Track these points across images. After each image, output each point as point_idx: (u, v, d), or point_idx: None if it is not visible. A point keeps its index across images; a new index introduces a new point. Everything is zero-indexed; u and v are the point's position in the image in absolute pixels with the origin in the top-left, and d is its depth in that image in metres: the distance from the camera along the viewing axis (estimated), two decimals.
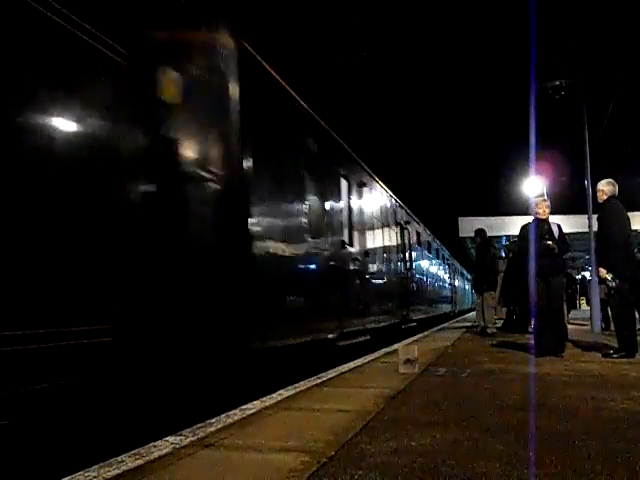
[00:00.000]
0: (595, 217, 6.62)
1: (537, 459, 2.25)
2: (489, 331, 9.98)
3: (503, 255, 12.24)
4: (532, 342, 8.16)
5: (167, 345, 3.29)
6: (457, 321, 21.02)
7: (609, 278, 5.80)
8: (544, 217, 6.49)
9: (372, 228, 9.10)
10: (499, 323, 11.54)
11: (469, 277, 36.41)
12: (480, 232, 10.55)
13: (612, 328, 7.27)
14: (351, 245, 7.64)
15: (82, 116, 2.76)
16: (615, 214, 5.99)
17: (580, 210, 12.45)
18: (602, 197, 6.16)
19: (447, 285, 23.86)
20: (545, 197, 6.73)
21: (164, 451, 2.51)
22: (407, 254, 12.76)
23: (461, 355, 6.67)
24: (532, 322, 9.92)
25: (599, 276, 6.18)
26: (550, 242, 6.17)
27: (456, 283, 28.53)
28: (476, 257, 10.71)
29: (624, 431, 2.70)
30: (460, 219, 24.29)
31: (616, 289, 5.82)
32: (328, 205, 6.80)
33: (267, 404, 3.64)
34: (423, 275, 15.60)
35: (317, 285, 6.10)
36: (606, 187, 6.13)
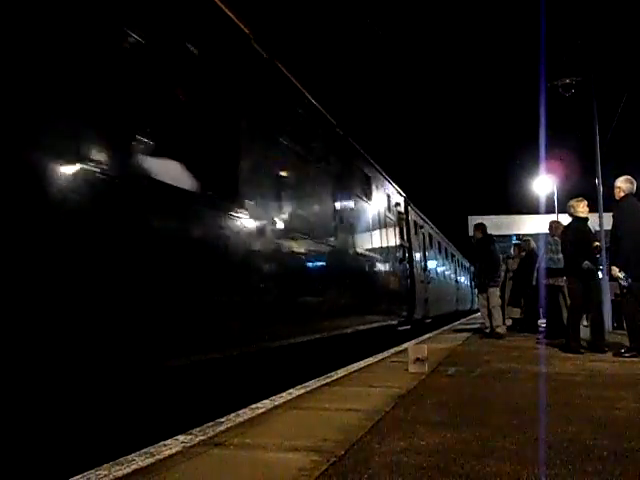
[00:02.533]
0: (606, 216, 6.62)
1: (548, 459, 2.24)
2: (500, 331, 9.30)
3: (512, 254, 12.13)
4: (542, 342, 8.13)
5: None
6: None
7: (621, 277, 5.76)
8: (584, 216, 6.55)
9: None
10: (509, 322, 11.45)
11: (463, 261, 27.12)
12: (480, 226, 10.09)
13: (624, 327, 7.20)
14: None
15: None
16: (630, 212, 5.94)
17: (590, 209, 12.35)
18: (619, 194, 6.11)
19: (393, 262, 10.36)
20: (581, 198, 6.82)
21: (174, 450, 2.52)
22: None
23: (471, 355, 6.64)
24: (540, 322, 9.89)
25: (611, 275, 6.15)
26: (598, 243, 6.24)
27: (432, 264, 15.57)
28: (477, 253, 9.92)
29: (636, 431, 2.68)
30: (470, 218, 24.19)
31: (628, 288, 5.77)
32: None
33: (277, 403, 3.65)
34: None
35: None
36: (624, 184, 6.08)
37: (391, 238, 10.33)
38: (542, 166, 21.82)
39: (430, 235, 16.15)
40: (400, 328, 10.46)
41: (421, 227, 14.22)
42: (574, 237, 6.53)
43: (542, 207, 22.68)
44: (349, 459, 2.30)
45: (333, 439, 2.62)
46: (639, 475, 2.04)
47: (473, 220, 24.02)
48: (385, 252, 9.53)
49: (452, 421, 2.97)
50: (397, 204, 11.45)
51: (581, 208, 6.62)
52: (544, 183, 22.77)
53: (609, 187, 6.46)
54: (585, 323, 9.42)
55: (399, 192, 12.00)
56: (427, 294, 13.40)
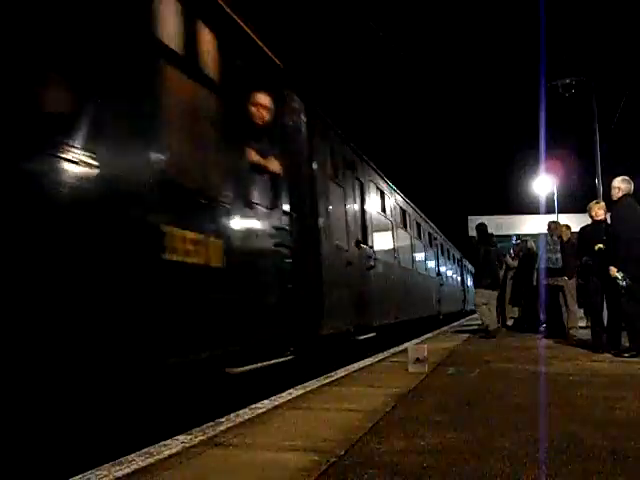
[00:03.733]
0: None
1: (547, 459, 2.24)
2: (490, 329, 9.32)
3: (512, 254, 12.14)
4: (542, 342, 8.13)
5: None
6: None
7: (619, 277, 5.75)
8: (599, 219, 6.53)
9: None
10: (510, 322, 11.46)
11: (451, 250, 21.52)
12: (476, 228, 10.27)
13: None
14: None
15: None
16: (628, 212, 5.94)
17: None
18: (617, 194, 6.11)
19: (241, 213, 4.37)
20: (598, 200, 6.83)
21: (174, 450, 2.52)
22: None
23: (470, 355, 6.64)
24: (541, 322, 9.89)
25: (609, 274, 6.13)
26: (601, 245, 6.22)
27: (382, 237, 9.42)
28: (474, 253, 10.14)
29: (636, 431, 2.68)
30: (470, 218, 24.21)
31: (627, 288, 5.76)
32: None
33: (277, 403, 3.65)
34: None
35: None
36: (622, 184, 6.08)
37: (240, 157, 4.68)
38: (542, 166, 21.87)
39: (381, 191, 9.61)
40: (247, 368, 4.16)
41: (351, 164, 7.82)
42: (579, 239, 6.72)
43: (542, 207, 22.72)
44: (349, 459, 2.30)
45: (333, 439, 2.62)
46: (638, 475, 2.04)
47: (473, 220, 24.05)
48: (211, 188, 4.21)
49: (452, 421, 2.97)
50: (270, 89, 5.19)
51: (593, 211, 6.61)
52: (544, 183, 22.81)
53: (608, 187, 6.46)
54: (582, 324, 9.44)
55: (277, 68, 5.75)
56: (365, 286, 7.74)
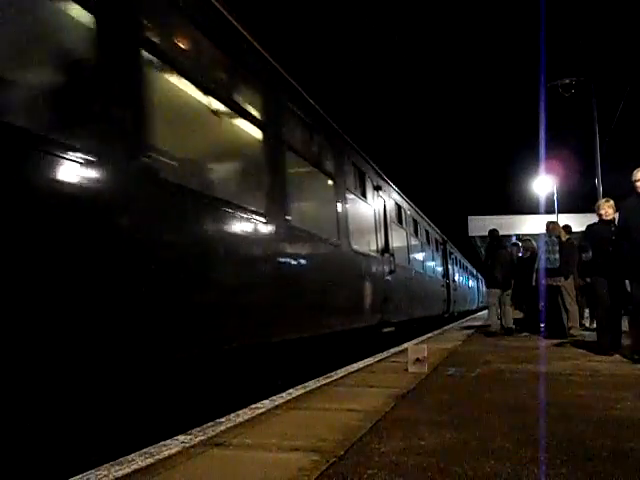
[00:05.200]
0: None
1: (547, 459, 2.24)
2: (491, 329, 10.04)
3: (522, 253, 12.10)
4: (542, 342, 8.13)
5: None
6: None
7: None
8: (607, 218, 6.44)
9: None
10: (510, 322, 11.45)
11: (427, 227, 14.46)
12: (491, 232, 10.68)
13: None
14: None
15: None
16: None
17: (589, 209, 12.36)
18: None
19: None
20: (607, 198, 6.69)
21: (174, 450, 2.52)
22: None
23: (470, 355, 6.64)
24: (541, 322, 9.90)
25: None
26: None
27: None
28: (489, 255, 10.44)
29: (636, 431, 2.68)
30: (470, 218, 24.19)
31: None
32: None
33: (276, 403, 3.65)
34: None
35: None
36: None
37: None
38: (542, 166, 21.89)
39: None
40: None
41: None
42: (585, 238, 6.66)
43: (542, 207, 22.73)
44: (349, 459, 2.30)
45: (333, 439, 2.62)
46: (638, 475, 2.04)
47: (473, 220, 24.04)
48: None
49: (452, 421, 2.97)
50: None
51: (602, 210, 6.48)
52: (544, 183, 22.82)
53: (608, 187, 6.42)
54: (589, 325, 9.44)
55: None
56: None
